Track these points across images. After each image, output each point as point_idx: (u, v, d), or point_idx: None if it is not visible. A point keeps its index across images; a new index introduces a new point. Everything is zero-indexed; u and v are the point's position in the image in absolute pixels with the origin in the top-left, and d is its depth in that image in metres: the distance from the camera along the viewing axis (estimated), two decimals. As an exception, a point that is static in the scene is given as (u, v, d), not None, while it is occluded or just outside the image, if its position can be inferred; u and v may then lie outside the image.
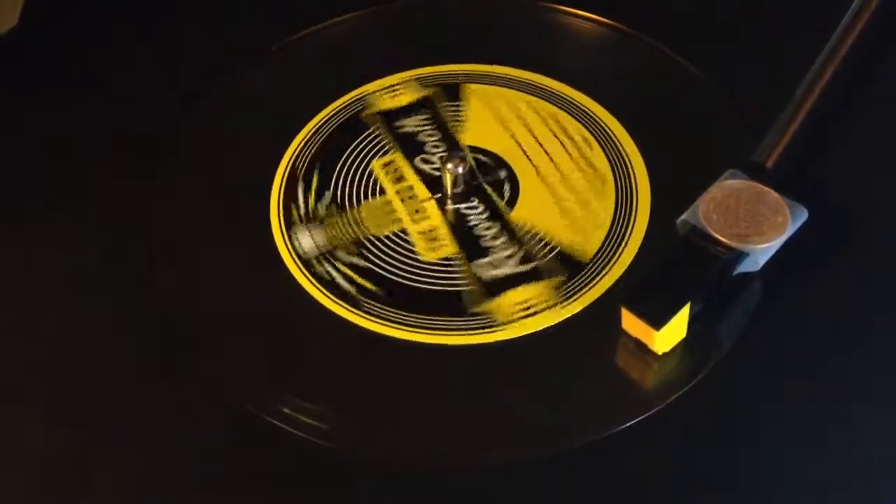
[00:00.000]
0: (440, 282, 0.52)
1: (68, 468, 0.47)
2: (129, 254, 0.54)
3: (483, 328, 0.50)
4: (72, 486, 0.46)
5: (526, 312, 0.50)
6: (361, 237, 0.54)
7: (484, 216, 0.54)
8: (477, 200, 0.55)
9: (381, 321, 0.50)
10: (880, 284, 0.51)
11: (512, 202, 0.55)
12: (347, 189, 0.56)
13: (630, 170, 0.55)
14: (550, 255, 0.52)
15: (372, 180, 0.56)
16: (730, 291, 0.50)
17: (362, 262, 0.53)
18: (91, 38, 0.65)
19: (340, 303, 0.51)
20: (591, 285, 0.51)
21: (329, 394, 0.48)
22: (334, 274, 0.52)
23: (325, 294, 0.51)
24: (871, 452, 0.46)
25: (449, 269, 0.52)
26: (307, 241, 0.54)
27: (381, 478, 0.46)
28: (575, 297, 0.51)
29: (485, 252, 0.53)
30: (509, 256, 0.52)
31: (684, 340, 0.48)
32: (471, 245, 0.53)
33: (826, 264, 0.51)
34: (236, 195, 0.56)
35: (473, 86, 0.60)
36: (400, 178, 0.56)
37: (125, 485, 0.46)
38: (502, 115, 0.59)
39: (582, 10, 0.64)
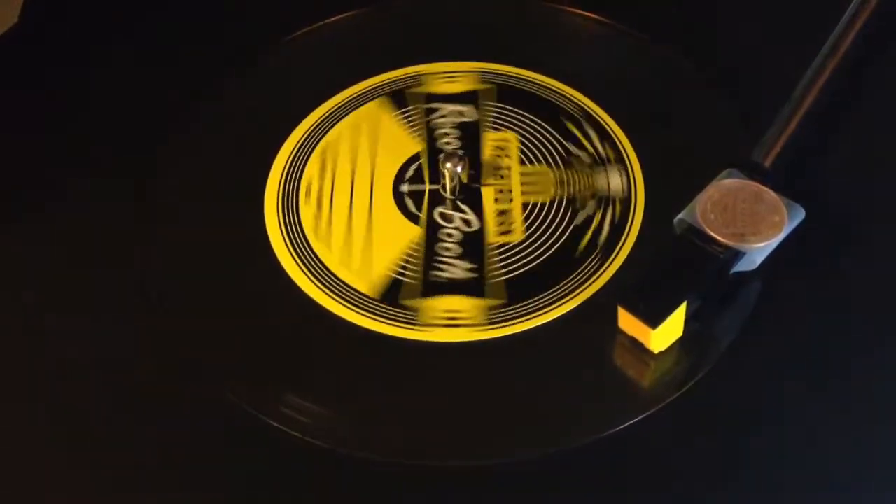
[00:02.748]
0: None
1: (68, 468, 0.47)
2: (129, 254, 0.54)
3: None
4: (71, 486, 0.46)
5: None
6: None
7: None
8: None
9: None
10: (878, 283, 0.51)
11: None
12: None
13: (628, 168, 0.55)
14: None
15: None
16: (727, 290, 0.50)
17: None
18: (91, 37, 0.65)
19: (340, 301, 0.51)
20: (587, 284, 0.51)
21: (329, 393, 0.49)
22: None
23: (325, 294, 0.51)
24: (870, 452, 0.46)
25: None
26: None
27: (381, 477, 0.46)
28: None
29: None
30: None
31: (681, 339, 0.48)
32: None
33: (823, 264, 0.51)
34: (236, 195, 0.56)
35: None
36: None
37: (125, 485, 0.46)
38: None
39: (584, 9, 0.64)
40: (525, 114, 0.58)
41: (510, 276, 0.52)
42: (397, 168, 0.57)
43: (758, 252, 0.49)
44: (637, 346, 0.48)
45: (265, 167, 0.57)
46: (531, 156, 0.56)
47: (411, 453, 0.47)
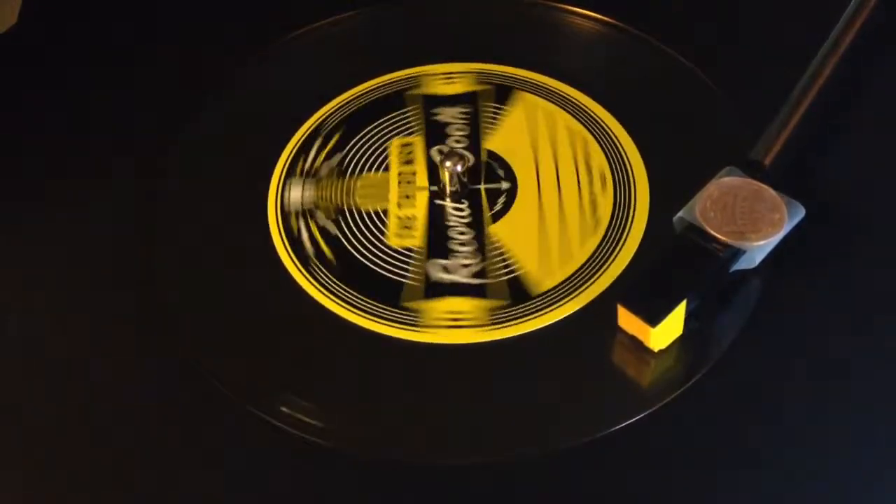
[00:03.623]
0: (391, 269, 0.52)
1: (67, 468, 0.47)
2: (129, 253, 0.54)
3: (404, 324, 0.50)
4: (71, 486, 0.46)
5: (452, 323, 0.50)
6: (345, 206, 0.54)
7: (465, 221, 0.54)
8: (467, 204, 0.55)
9: (318, 285, 0.51)
10: (877, 281, 0.51)
11: (498, 215, 0.54)
12: (357, 157, 0.57)
13: (629, 168, 0.55)
14: (504, 278, 0.52)
15: (384, 156, 0.57)
16: (727, 289, 0.50)
17: (333, 229, 0.54)
18: (90, 37, 0.65)
19: (340, 301, 0.51)
20: (589, 283, 0.51)
21: (329, 392, 0.49)
22: (303, 232, 0.53)
23: (324, 294, 0.51)
24: (870, 452, 0.45)
25: (406, 259, 0.53)
26: (296, 194, 0.55)
27: (380, 477, 0.46)
28: (505, 324, 0.50)
29: (446, 254, 0.53)
30: (466, 266, 0.52)
31: (681, 338, 0.48)
32: (438, 244, 0.53)
33: (823, 261, 0.51)
34: (237, 195, 0.56)
35: (526, 94, 0.60)
36: (409, 161, 0.56)
37: (124, 484, 0.46)
38: (537, 131, 0.58)
39: (581, 7, 0.64)
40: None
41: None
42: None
43: (757, 250, 0.49)
44: (637, 345, 0.48)
45: (267, 167, 0.57)
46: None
47: (411, 453, 0.47)
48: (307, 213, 0.54)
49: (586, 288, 0.51)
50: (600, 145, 0.56)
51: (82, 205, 0.56)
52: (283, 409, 0.48)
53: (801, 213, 0.50)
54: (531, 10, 0.65)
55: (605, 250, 0.52)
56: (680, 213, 0.50)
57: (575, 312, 0.50)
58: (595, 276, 0.51)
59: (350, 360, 0.50)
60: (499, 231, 0.54)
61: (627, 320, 0.48)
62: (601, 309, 0.50)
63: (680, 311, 0.47)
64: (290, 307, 0.51)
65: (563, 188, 0.55)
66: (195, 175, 0.57)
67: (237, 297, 0.52)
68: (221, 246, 0.54)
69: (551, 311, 0.50)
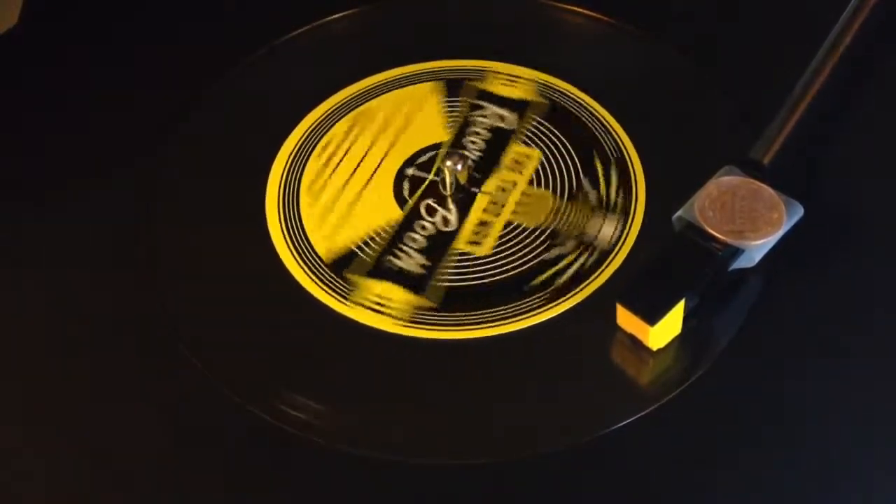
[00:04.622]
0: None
1: (67, 468, 0.47)
2: (129, 254, 0.54)
3: (335, 293, 0.51)
4: (71, 486, 0.46)
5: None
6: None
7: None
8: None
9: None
10: (877, 281, 0.51)
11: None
12: None
13: (628, 166, 0.55)
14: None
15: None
16: (725, 288, 0.50)
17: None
18: (90, 37, 0.65)
19: (340, 300, 0.51)
20: (587, 281, 0.51)
21: (329, 391, 0.49)
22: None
23: (325, 293, 0.51)
24: (870, 452, 0.46)
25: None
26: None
27: (381, 477, 0.46)
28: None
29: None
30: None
31: (680, 337, 0.48)
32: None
33: (822, 261, 0.51)
34: (236, 194, 0.56)
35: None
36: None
37: (124, 484, 0.46)
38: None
39: (584, 7, 0.64)
40: (559, 135, 0.58)
41: (454, 284, 0.52)
42: (414, 151, 0.57)
43: (756, 249, 0.49)
44: (636, 344, 0.48)
45: (266, 166, 0.57)
46: (543, 178, 0.56)
47: (410, 452, 0.47)
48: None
49: (585, 286, 0.51)
50: (599, 144, 0.56)
51: (82, 205, 0.56)
52: (284, 408, 0.48)
53: (799, 212, 0.50)
54: (531, 10, 0.65)
55: (553, 294, 0.52)
56: (679, 212, 0.50)
57: (573, 310, 0.50)
58: (594, 275, 0.51)
59: (351, 361, 0.50)
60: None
61: (626, 319, 0.48)
62: (599, 307, 0.50)
63: (678, 309, 0.47)
64: (292, 307, 0.51)
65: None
66: (195, 175, 0.57)
67: (237, 297, 0.52)
68: (221, 245, 0.54)
69: (549, 308, 0.50)
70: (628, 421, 0.46)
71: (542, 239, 0.53)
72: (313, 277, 0.52)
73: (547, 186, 0.55)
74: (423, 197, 0.55)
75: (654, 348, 0.48)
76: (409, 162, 0.56)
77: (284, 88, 0.61)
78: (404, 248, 0.53)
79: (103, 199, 0.56)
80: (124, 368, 0.50)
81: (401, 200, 0.55)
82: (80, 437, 0.48)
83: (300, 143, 0.58)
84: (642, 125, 0.57)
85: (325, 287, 0.51)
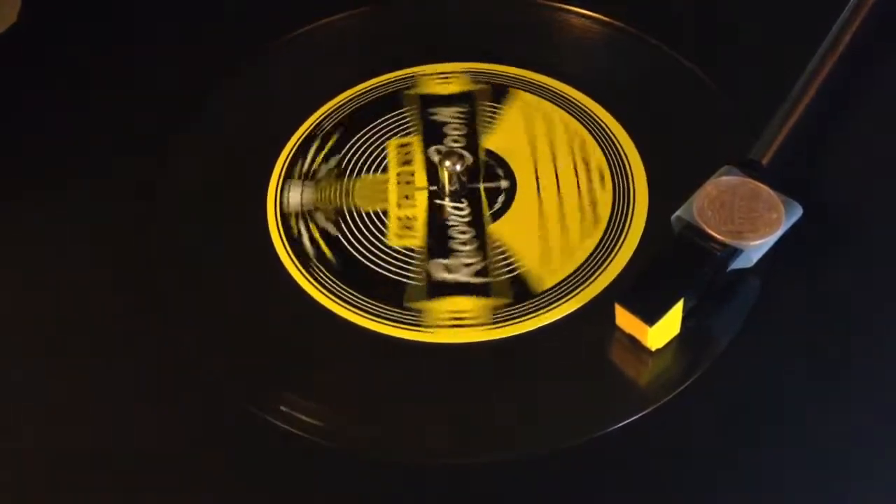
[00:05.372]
0: (393, 269, 0.52)
1: (67, 468, 0.47)
2: (128, 254, 0.54)
3: (407, 324, 0.50)
4: (70, 486, 0.46)
5: (454, 322, 0.50)
6: (344, 207, 0.54)
7: (465, 220, 0.54)
8: (466, 203, 0.55)
9: (318, 286, 0.51)
10: (875, 281, 0.51)
11: (498, 214, 0.54)
12: (356, 159, 0.57)
13: (627, 166, 0.55)
14: (506, 277, 0.52)
15: (382, 157, 0.57)
16: (724, 288, 0.50)
17: (333, 230, 0.54)
18: (90, 37, 0.65)
19: (339, 301, 0.51)
20: (587, 282, 0.51)
21: (330, 392, 0.49)
22: (304, 234, 0.53)
23: (325, 295, 0.51)
24: (870, 452, 0.45)
25: (407, 259, 0.53)
26: (295, 197, 0.54)
27: (380, 477, 0.46)
28: (507, 323, 0.50)
29: (447, 254, 0.53)
30: (468, 265, 0.52)
31: (678, 337, 0.48)
32: (439, 243, 0.53)
33: (821, 261, 0.51)
34: (237, 195, 0.56)
35: (522, 93, 0.60)
36: (407, 162, 0.56)
37: (124, 484, 0.46)
38: (534, 129, 0.58)
39: (584, 8, 0.64)
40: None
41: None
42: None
43: (755, 249, 0.49)
44: (635, 344, 0.48)
45: (266, 167, 0.57)
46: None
47: (410, 452, 0.47)
48: (307, 214, 0.54)
49: (585, 287, 0.51)
50: (599, 144, 0.56)
51: (82, 205, 0.56)
52: (284, 408, 0.48)
53: (798, 212, 0.50)
54: (531, 10, 0.65)
55: (603, 249, 0.52)
56: (678, 213, 0.50)
57: (573, 312, 0.50)
58: (593, 276, 0.51)
59: (350, 361, 0.50)
60: (499, 230, 0.54)
61: (625, 319, 0.48)
62: (599, 308, 0.50)
63: (677, 310, 0.47)
64: (289, 307, 0.51)
65: (562, 186, 0.55)
66: (195, 175, 0.57)
67: (237, 297, 0.52)
68: (221, 246, 0.54)
69: (549, 310, 0.50)
70: (627, 421, 0.46)
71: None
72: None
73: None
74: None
75: (653, 349, 0.48)
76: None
77: (285, 88, 0.62)
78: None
79: (103, 199, 0.56)
80: (124, 369, 0.50)
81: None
82: (80, 437, 0.48)
83: (298, 143, 0.58)
84: (642, 125, 0.57)
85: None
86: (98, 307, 0.52)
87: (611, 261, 0.52)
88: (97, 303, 0.52)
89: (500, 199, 0.55)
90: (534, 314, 0.50)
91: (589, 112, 0.58)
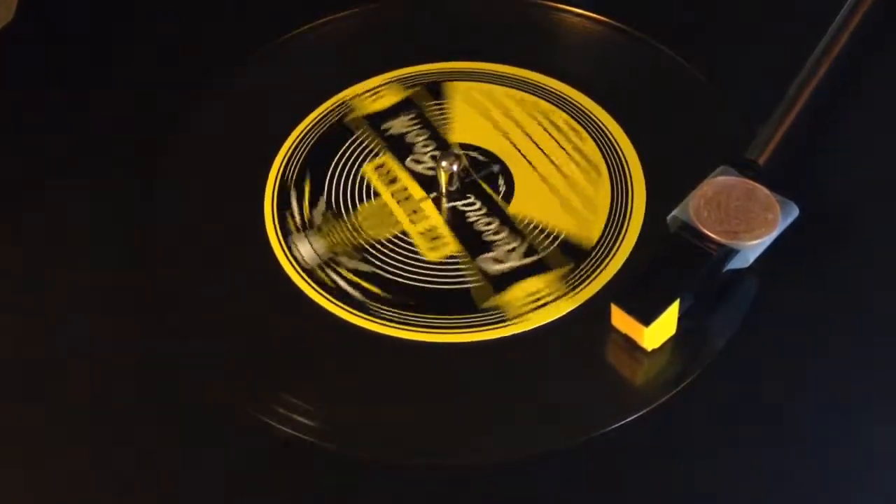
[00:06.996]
0: (447, 280, 0.52)
1: (66, 468, 0.47)
2: (128, 254, 0.54)
3: (494, 324, 0.50)
4: (70, 486, 0.46)
5: (535, 304, 0.50)
6: (363, 242, 0.54)
7: (482, 212, 0.54)
8: (473, 197, 0.55)
9: (389, 323, 0.50)
10: (872, 280, 0.51)
11: (508, 196, 0.55)
12: (341, 194, 0.56)
13: (625, 166, 0.55)
14: (554, 246, 0.52)
15: (365, 184, 0.56)
16: (720, 288, 0.50)
17: (366, 267, 0.53)
18: (89, 36, 0.65)
19: (344, 307, 0.51)
20: (584, 284, 0.51)
21: (332, 395, 0.49)
22: (339, 281, 0.52)
23: (325, 297, 0.51)
24: (870, 452, 0.46)
25: (454, 267, 0.52)
26: (307, 249, 0.53)
27: (380, 477, 0.46)
28: (583, 285, 0.51)
29: (488, 247, 0.53)
30: (512, 250, 0.52)
31: (674, 337, 0.48)
32: (473, 241, 0.53)
33: (817, 261, 0.51)
34: (236, 195, 0.56)
35: (456, 83, 0.60)
36: (393, 180, 0.56)
37: (124, 484, 0.46)
38: (488, 110, 0.58)
39: (579, 8, 0.64)
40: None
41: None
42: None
43: (751, 250, 0.49)
44: (631, 345, 0.48)
45: (265, 167, 0.57)
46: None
47: (409, 452, 0.47)
48: (330, 262, 0.53)
49: (582, 287, 0.51)
50: (598, 145, 0.56)
51: (81, 205, 0.56)
52: (283, 410, 0.48)
53: (794, 212, 0.50)
54: (531, 9, 0.65)
55: (602, 249, 0.52)
56: (674, 212, 0.50)
57: (569, 312, 0.50)
58: (591, 275, 0.51)
59: (347, 360, 0.50)
60: (518, 208, 0.54)
61: (621, 319, 0.48)
62: (595, 308, 0.50)
63: (673, 310, 0.47)
64: (291, 308, 0.51)
65: (547, 151, 0.56)
66: (194, 175, 0.58)
67: (237, 297, 0.52)
68: (221, 245, 0.54)
69: (546, 309, 0.50)
70: (624, 422, 0.47)
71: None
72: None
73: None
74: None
75: (649, 349, 0.48)
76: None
77: (284, 88, 0.61)
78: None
79: (103, 199, 0.56)
80: (124, 370, 0.50)
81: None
82: (80, 439, 0.48)
83: (276, 197, 0.57)
84: (639, 125, 0.57)
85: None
86: (97, 308, 0.52)
87: (609, 260, 0.52)
88: (96, 303, 0.52)
89: (501, 182, 0.55)
90: (602, 267, 0.51)
91: (586, 111, 0.58)
